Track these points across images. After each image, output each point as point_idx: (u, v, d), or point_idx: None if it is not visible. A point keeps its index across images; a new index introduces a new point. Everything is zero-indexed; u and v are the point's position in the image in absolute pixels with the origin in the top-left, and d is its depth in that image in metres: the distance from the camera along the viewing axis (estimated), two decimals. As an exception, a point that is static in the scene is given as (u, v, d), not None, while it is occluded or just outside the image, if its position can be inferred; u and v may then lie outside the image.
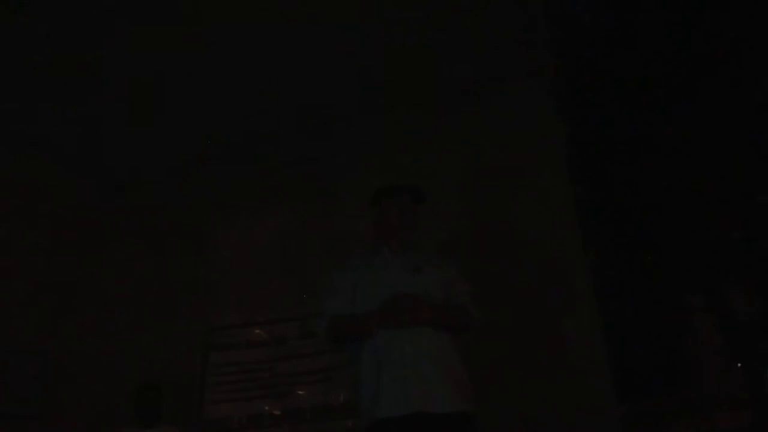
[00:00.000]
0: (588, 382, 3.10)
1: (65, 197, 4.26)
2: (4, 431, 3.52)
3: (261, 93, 3.78)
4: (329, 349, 3.47)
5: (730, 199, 2.96)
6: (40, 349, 3.82)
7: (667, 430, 2.78)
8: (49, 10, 3.03)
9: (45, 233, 4.07)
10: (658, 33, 3.24)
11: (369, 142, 4.04)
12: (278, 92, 3.80)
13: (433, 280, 2.27)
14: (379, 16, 3.27)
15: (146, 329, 4.10)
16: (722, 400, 2.72)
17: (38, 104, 3.68)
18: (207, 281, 4.18)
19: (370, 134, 4.05)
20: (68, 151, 4.18)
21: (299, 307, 3.73)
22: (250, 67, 3.58)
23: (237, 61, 3.54)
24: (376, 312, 2.15)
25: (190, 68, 3.55)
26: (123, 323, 4.17)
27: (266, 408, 3.70)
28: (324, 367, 3.65)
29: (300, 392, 3.67)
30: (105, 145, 4.17)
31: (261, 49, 3.45)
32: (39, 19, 3.08)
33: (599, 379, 3.10)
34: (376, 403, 2.07)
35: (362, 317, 2.20)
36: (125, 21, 3.14)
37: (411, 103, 3.88)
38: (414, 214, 2.40)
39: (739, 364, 2.85)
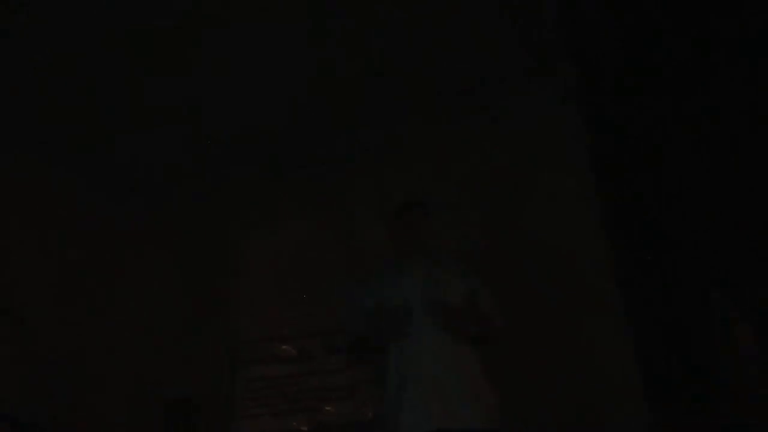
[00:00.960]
0: (615, 390, 3.02)
1: (99, 213, 4.32)
2: None
3: (275, 103, 3.82)
4: (356, 365, 3.49)
5: (762, 199, 2.90)
6: (73, 362, 3.83)
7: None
8: (49, 11, 3.04)
9: (76, 245, 4.11)
10: (681, 30, 3.19)
11: (389, 152, 4.06)
12: (293, 103, 3.84)
13: (454, 291, 2.30)
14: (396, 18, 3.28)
15: (174, 344, 4.09)
16: (757, 406, 2.65)
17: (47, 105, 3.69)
18: (234, 296, 4.19)
19: (389, 144, 4.06)
20: (90, 163, 4.21)
21: (326, 321, 3.74)
22: (264, 75, 3.60)
23: (254, 70, 3.56)
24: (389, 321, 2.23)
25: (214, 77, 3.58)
26: (151, 338, 4.15)
27: (294, 424, 3.71)
28: (351, 383, 3.67)
29: (328, 408, 3.68)
30: (131, 159, 4.22)
31: (269, 53, 3.46)
32: (39, 19, 3.08)
33: (627, 386, 3.00)
34: (398, 419, 2.11)
35: (379, 327, 2.27)
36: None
37: (427, 110, 3.88)
38: (425, 228, 2.46)
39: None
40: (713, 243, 2.98)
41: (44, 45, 3.23)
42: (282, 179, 4.35)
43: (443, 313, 2.20)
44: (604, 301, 3.23)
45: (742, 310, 2.85)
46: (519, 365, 3.01)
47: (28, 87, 3.53)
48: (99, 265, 4.25)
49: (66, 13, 3.05)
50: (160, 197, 4.55)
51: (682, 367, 2.89)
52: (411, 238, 2.44)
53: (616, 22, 3.34)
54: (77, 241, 4.16)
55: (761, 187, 2.88)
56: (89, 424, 3.77)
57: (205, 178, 4.44)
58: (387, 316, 2.24)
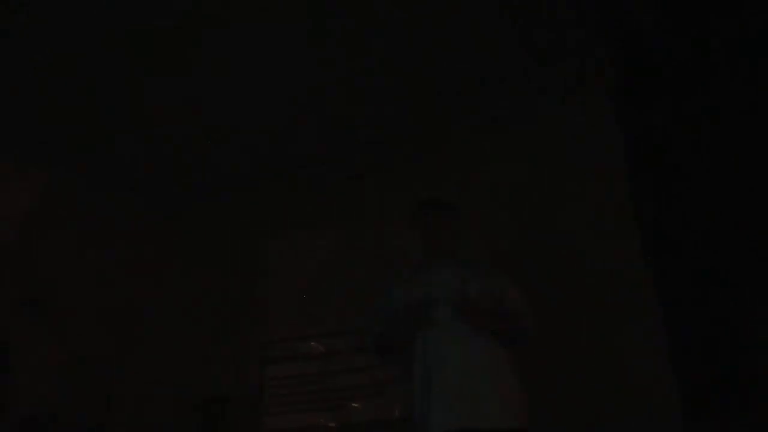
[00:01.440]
0: (651, 400, 2.95)
1: (99, 213, 4.33)
2: None
3: (275, 103, 3.82)
4: (383, 364, 3.48)
5: (762, 199, 2.84)
6: (107, 361, 3.89)
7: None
8: (50, 11, 3.04)
9: (112, 248, 4.20)
10: (681, 30, 3.14)
11: (389, 152, 4.05)
12: (293, 103, 3.83)
13: (481, 291, 2.29)
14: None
15: (204, 343, 4.12)
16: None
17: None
18: (263, 296, 4.21)
19: (390, 144, 4.05)
20: (90, 163, 4.21)
21: (353, 320, 3.76)
22: (264, 75, 3.60)
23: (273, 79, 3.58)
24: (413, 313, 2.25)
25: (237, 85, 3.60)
26: (182, 336, 4.18)
27: (321, 420, 3.74)
28: (378, 381, 3.69)
29: (354, 405, 3.71)
30: (131, 159, 4.24)
31: (269, 53, 3.45)
32: (39, 19, 3.08)
33: (664, 396, 2.91)
34: (424, 417, 2.12)
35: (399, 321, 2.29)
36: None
37: (427, 110, 3.87)
38: (445, 228, 2.48)
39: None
40: (713, 243, 2.97)
41: (44, 45, 3.23)
42: (283, 179, 4.35)
43: (463, 309, 2.20)
44: (647, 310, 3.11)
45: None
46: (549, 370, 2.96)
47: (28, 87, 3.53)
48: (99, 266, 4.25)
49: (66, 13, 3.05)
50: (160, 197, 4.55)
51: (719, 374, 2.78)
52: (433, 237, 2.45)
53: (616, 22, 3.34)
54: (75, 241, 4.17)
55: (761, 187, 2.87)
56: (121, 421, 3.81)
57: (206, 178, 4.44)
58: (410, 310, 2.25)
